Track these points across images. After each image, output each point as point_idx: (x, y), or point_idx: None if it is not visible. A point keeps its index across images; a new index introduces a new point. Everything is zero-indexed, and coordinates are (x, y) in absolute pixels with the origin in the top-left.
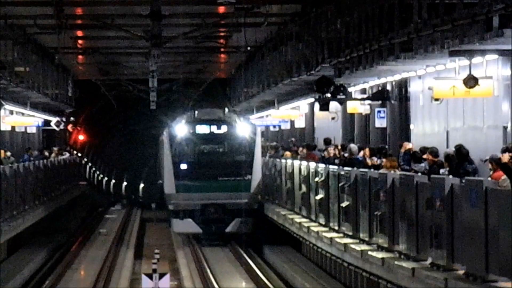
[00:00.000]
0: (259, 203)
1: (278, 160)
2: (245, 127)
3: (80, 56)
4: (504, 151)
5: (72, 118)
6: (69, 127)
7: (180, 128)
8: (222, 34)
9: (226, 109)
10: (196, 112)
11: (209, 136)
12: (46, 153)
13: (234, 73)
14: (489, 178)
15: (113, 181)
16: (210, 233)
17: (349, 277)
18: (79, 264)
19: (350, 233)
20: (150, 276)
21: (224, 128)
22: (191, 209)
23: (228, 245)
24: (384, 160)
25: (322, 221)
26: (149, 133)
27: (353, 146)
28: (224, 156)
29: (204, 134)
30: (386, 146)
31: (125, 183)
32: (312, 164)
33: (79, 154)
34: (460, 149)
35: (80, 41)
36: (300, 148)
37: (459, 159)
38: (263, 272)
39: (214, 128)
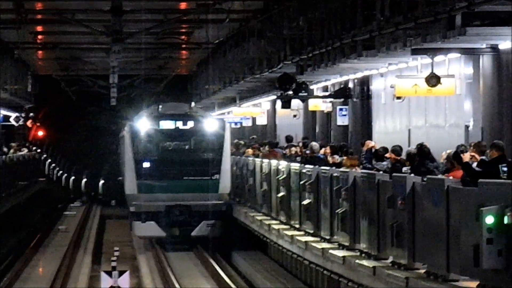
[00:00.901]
0: (228, 205)
1: (238, 157)
2: (213, 123)
3: (40, 52)
4: (462, 151)
5: (31, 114)
6: (29, 123)
7: (143, 123)
8: (183, 30)
9: (193, 103)
10: (160, 106)
11: (174, 132)
12: (5, 149)
13: (195, 69)
14: (444, 176)
15: (73, 177)
16: (175, 237)
17: (310, 276)
18: (37, 261)
19: (311, 231)
20: (109, 274)
21: (190, 124)
22: (154, 211)
23: (194, 249)
24: (345, 158)
25: (283, 219)
26: (109, 129)
27: (315, 144)
28: (190, 154)
29: (168, 130)
30: (347, 144)
31: (84, 180)
32: (274, 162)
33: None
34: (421, 147)
35: (40, 36)
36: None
37: (421, 157)
38: (230, 278)
39: (179, 124)
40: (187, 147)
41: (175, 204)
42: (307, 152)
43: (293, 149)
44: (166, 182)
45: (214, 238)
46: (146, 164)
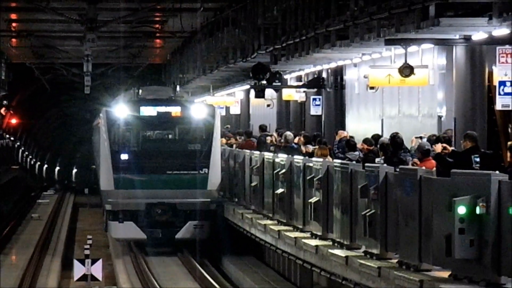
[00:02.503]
0: (218, 203)
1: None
2: (201, 109)
3: (14, 39)
4: (435, 141)
5: (5, 102)
6: (2, 111)
7: (120, 110)
8: (158, 19)
9: (178, 87)
10: (140, 89)
11: (156, 120)
12: None
13: (169, 58)
14: (413, 165)
15: (46, 165)
16: (157, 239)
17: (283, 265)
18: (10, 248)
19: (284, 221)
20: (82, 262)
21: (175, 110)
22: (133, 209)
23: (179, 253)
24: (316, 147)
25: (256, 208)
26: (83, 118)
27: (289, 134)
28: (175, 145)
29: (150, 117)
30: (321, 134)
31: (58, 168)
32: (247, 152)
33: (12, 138)
34: (394, 137)
35: (14, 24)
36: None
37: (394, 147)
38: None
39: (162, 110)
40: (171, 136)
41: (157, 202)
42: (282, 141)
43: (268, 138)
44: (147, 176)
45: (201, 240)
46: (124, 156)
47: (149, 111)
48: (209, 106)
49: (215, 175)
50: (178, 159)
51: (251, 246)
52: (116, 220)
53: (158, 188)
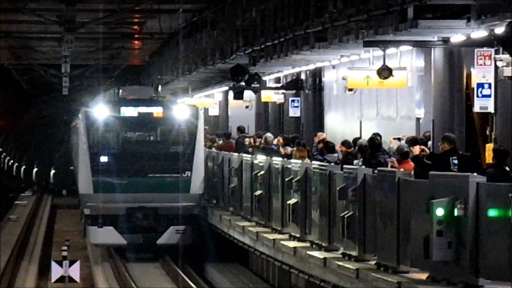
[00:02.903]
0: (201, 207)
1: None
2: (183, 110)
3: None
4: (413, 143)
5: None
6: None
7: (100, 110)
8: (136, 20)
9: (160, 87)
10: (120, 89)
11: (137, 120)
12: None
13: (148, 59)
14: (392, 164)
15: (24, 166)
16: (138, 245)
17: (261, 267)
18: None
19: (263, 222)
20: (60, 263)
21: (156, 110)
22: (113, 214)
23: (160, 260)
24: (295, 149)
25: (235, 210)
26: (61, 119)
27: (269, 136)
28: (157, 147)
29: (130, 118)
30: (299, 136)
31: (35, 169)
32: (226, 153)
33: None
34: (373, 139)
35: None
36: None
37: (372, 149)
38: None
39: (143, 110)
40: (152, 138)
41: (138, 206)
42: (262, 142)
43: (246, 140)
44: (127, 179)
45: (184, 246)
46: (103, 158)
47: (129, 111)
48: (192, 106)
49: (198, 178)
50: (160, 162)
51: (236, 252)
52: (95, 225)
53: (139, 191)
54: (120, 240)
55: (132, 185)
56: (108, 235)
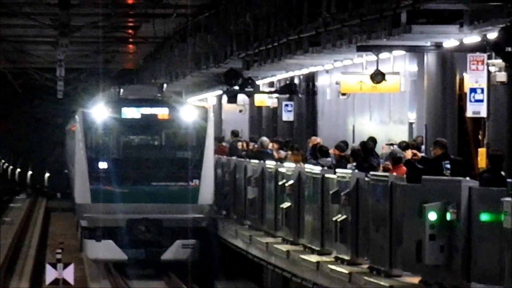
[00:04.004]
0: (210, 220)
1: None
2: (192, 111)
3: None
4: (405, 148)
5: None
6: None
7: (99, 111)
8: (130, 24)
9: (165, 85)
10: (122, 89)
11: (140, 123)
12: None
13: (142, 63)
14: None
15: (18, 169)
16: (140, 260)
17: (253, 270)
18: None
19: (256, 226)
20: (54, 266)
21: (161, 112)
22: (112, 226)
23: (165, 277)
24: (289, 153)
25: (228, 213)
26: (56, 122)
27: (265, 140)
28: (162, 152)
29: (133, 120)
30: (293, 140)
31: (30, 172)
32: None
33: None
34: (365, 143)
35: None
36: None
37: (365, 153)
38: None
39: (147, 111)
40: (157, 142)
41: (141, 218)
42: (256, 146)
43: (239, 143)
44: (129, 188)
45: (191, 262)
46: (102, 165)
47: (132, 113)
48: (201, 107)
49: (207, 187)
50: (165, 169)
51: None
52: (93, 238)
53: (142, 201)
54: (121, 255)
55: (134, 195)
56: (107, 250)
